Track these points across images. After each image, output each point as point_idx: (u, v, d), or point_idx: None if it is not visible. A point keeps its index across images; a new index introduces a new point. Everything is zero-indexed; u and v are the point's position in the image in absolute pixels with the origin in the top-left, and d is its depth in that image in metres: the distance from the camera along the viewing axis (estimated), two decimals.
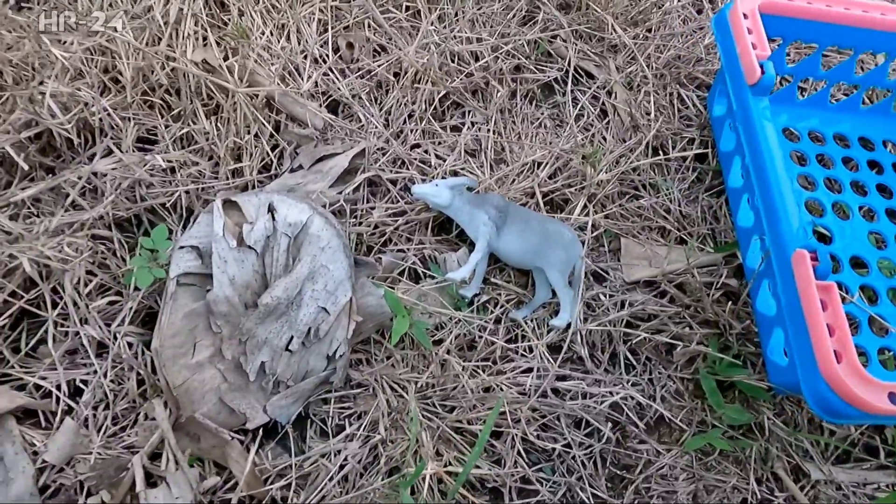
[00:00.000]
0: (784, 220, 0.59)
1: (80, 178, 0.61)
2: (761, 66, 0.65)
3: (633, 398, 0.67)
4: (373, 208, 0.72)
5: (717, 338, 0.69)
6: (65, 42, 0.69)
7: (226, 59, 0.71)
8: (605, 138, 0.80)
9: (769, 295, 0.65)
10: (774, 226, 0.59)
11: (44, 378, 0.58)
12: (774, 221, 0.59)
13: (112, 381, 0.60)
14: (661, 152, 0.81)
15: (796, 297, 0.55)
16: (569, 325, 0.68)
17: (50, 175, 0.66)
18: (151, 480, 0.57)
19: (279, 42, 0.77)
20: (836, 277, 0.70)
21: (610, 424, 0.66)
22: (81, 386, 0.60)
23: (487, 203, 0.67)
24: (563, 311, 0.67)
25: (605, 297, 0.71)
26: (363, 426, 0.63)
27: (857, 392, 0.48)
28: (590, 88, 0.84)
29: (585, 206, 0.75)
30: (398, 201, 0.73)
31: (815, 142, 0.82)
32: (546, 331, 0.69)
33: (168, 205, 0.67)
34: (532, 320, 0.69)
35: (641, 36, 0.88)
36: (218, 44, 0.75)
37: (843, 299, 0.68)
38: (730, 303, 0.69)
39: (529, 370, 0.66)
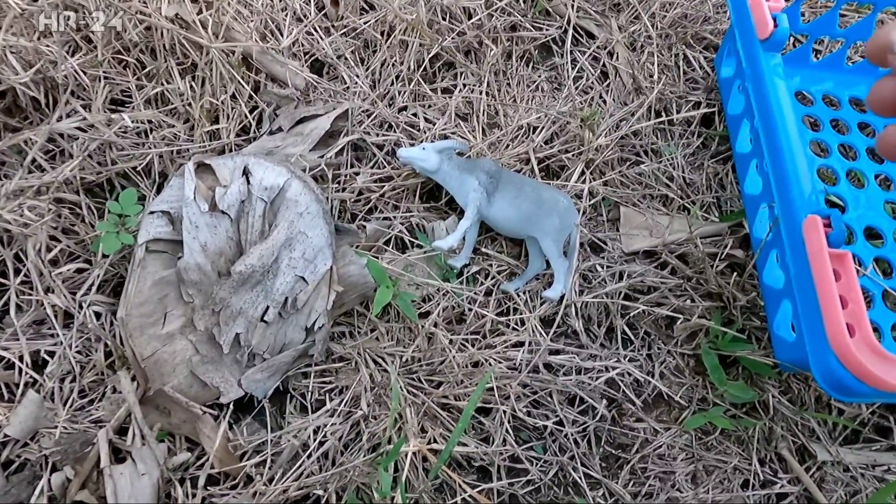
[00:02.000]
0: (795, 185, 0.54)
1: (41, 133, 0.57)
2: (774, 19, 0.60)
3: (630, 374, 0.63)
4: (357, 174, 0.68)
5: (720, 311, 0.65)
6: None
7: (200, 13, 0.67)
8: (604, 101, 0.76)
9: (777, 266, 0.61)
10: (785, 191, 0.55)
11: (6, 349, 0.55)
12: (785, 186, 0.55)
13: (78, 352, 0.57)
14: (664, 115, 0.76)
15: (806, 267, 0.51)
16: (563, 297, 0.64)
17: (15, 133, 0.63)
18: (119, 456, 0.54)
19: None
20: (850, 248, 0.66)
21: (605, 401, 0.62)
22: (46, 357, 0.57)
23: (478, 168, 0.64)
24: (557, 283, 0.63)
25: (603, 268, 0.67)
26: (345, 401, 0.60)
27: (871, 368, 0.44)
28: (590, 49, 0.79)
29: (583, 173, 0.71)
30: (384, 166, 0.69)
31: (830, 106, 0.77)
32: (539, 303, 0.65)
33: (140, 169, 0.64)
34: (525, 292, 0.65)
35: None
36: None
37: (857, 272, 0.64)
38: (735, 275, 0.65)
39: (520, 344, 0.63)
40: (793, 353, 0.57)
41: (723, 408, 0.63)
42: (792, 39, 0.83)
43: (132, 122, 0.60)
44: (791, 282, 0.55)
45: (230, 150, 0.66)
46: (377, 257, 0.64)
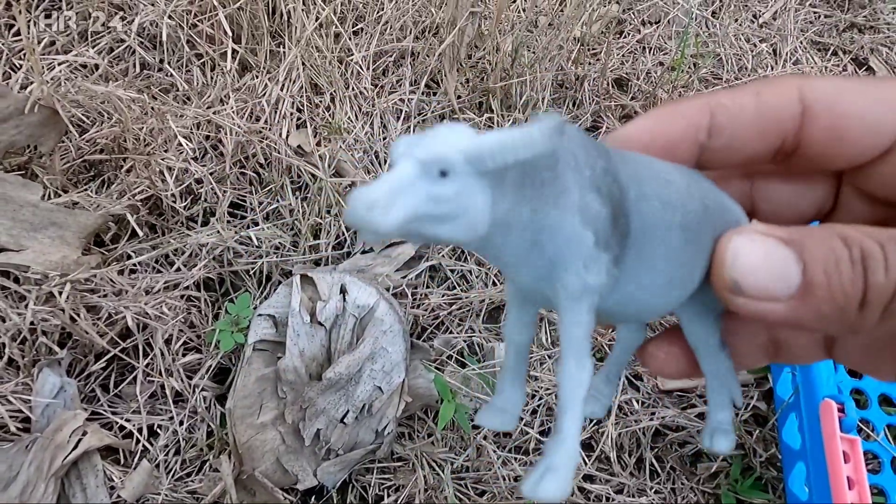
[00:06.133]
0: (815, 364, 0.63)
1: (187, 246, 0.69)
2: None
3: None
4: (431, 293, 0.78)
5: (741, 458, 0.73)
6: (181, 115, 0.78)
7: (318, 144, 0.80)
8: None
9: (796, 427, 0.69)
10: (805, 369, 0.63)
11: (128, 420, 0.65)
12: (805, 366, 0.63)
13: (186, 429, 0.67)
14: None
15: (820, 444, 0.58)
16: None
17: (152, 232, 0.75)
18: None
19: (363, 129, 0.85)
20: (864, 413, 0.73)
21: None
22: (158, 431, 0.67)
23: (569, 179, 0.18)
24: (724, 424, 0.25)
25: (638, 402, 0.75)
26: (400, 499, 0.68)
27: None
28: None
29: None
30: (454, 288, 0.79)
31: None
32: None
33: (250, 271, 0.75)
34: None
35: None
36: (309, 124, 0.83)
37: (868, 437, 0.71)
38: (758, 429, 0.73)
39: None
40: None
41: None
42: None
43: (254, 236, 0.71)
44: (806, 448, 0.63)
45: (327, 262, 0.77)
46: (440, 369, 0.74)
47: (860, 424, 0.72)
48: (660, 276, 0.19)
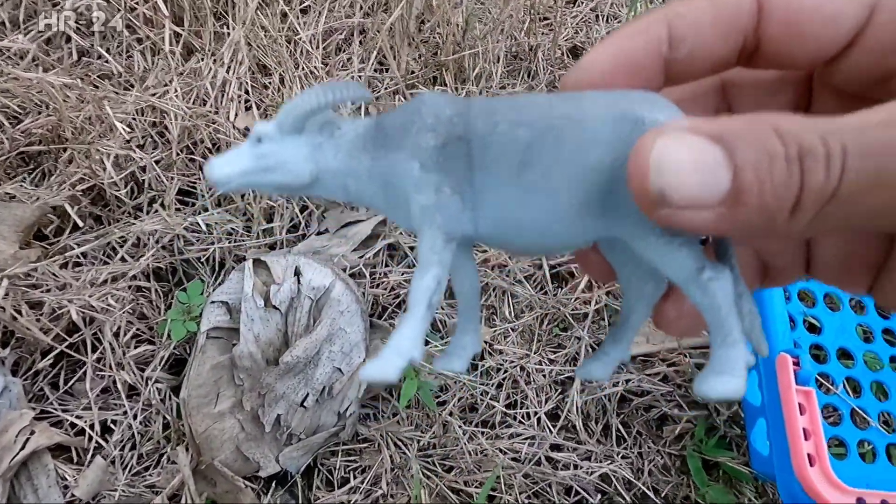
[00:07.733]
0: (771, 320, 0.63)
1: (130, 234, 0.67)
2: None
3: (621, 470, 0.71)
4: (390, 271, 0.77)
5: (704, 419, 0.73)
6: (122, 102, 0.75)
7: None
8: None
9: (756, 384, 0.69)
10: (762, 324, 0.63)
11: (79, 417, 0.63)
12: (762, 319, 0.64)
13: (141, 423, 0.65)
14: None
15: (777, 397, 0.59)
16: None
17: (98, 224, 0.72)
18: None
19: None
20: (823, 368, 0.74)
21: (599, 495, 0.70)
22: (112, 426, 0.65)
23: (411, 129, 0.21)
24: (730, 356, 0.20)
25: None
26: (366, 480, 0.67)
27: (827, 497, 0.52)
28: None
29: (590, 282, 0.80)
30: (414, 266, 0.78)
31: None
32: (545, 398, 0.73)
33: (202, 259, 0.73)
34: (533, 389, 0.73)
35: None
36: (258, 106, 0.81)
37: (828, 390, 0.72)
38: None
39: (525, 437, 0.71)
40: (767, 466, 0.65)
41: None
42: None
43: (203, 222, 0.69)
44: (765, 404, 0.63)
45: (282, 246, 0.76)
46: None
47: (820, 379, 0.73)
48: (517, 188, 0.20)
